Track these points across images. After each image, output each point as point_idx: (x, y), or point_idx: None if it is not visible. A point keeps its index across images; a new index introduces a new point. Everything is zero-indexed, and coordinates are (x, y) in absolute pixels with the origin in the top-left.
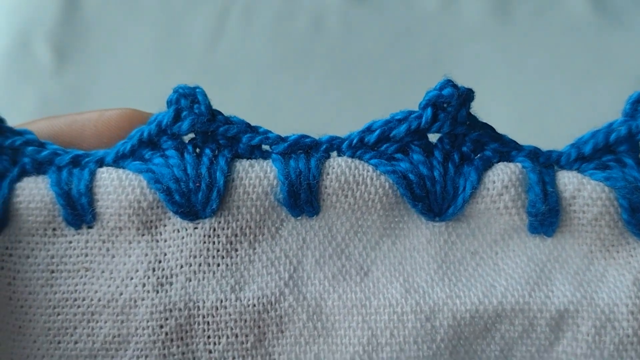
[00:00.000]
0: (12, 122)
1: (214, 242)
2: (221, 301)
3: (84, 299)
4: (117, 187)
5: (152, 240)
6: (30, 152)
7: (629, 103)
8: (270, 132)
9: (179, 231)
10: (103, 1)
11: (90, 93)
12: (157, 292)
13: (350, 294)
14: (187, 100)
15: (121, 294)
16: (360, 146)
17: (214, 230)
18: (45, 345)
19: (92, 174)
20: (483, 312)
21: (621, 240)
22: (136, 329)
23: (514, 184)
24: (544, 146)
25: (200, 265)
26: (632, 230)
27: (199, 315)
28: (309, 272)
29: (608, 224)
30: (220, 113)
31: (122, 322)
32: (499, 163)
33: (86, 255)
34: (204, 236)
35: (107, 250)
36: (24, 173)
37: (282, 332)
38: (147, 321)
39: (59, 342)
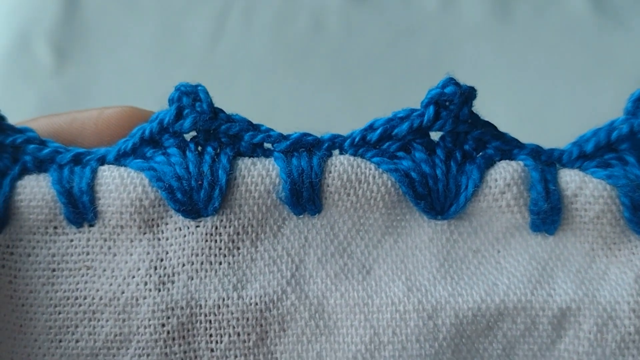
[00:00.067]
0: (12, 122)
1: (216, 241)
2: (223, 300)
3: (85, 298)
4: (118, 185)
5: (154, 239)
6: (32, 150)
7: (630, 101)
8: (272, 130)
9: (180, 229)
10: (103, 1)
11: (90, 93)
12: (159, 290)
13: (352, 293)
14: (189, 98)
15: (123, 292)
16: (362, 144)
17: (216, 228)
18: (47, 344)
19: (94, 172)
20: (485, 310)
21: (623, 238)
22: (138, 327)
23: (516, 182)
24: (543, 146)
25: (202, 263)
26: (633, 228)
27: (200, 314)
28: (311, 270)
29: (610, 222)
30: (222, 111)
31: (124, 320)
32: (501, 161)
33: (87, 253)
34: (206, 234)
35: (109, 248)
36: (25, 171)
37: (284, 330)
38: (149, 320)
39: (60, 341)
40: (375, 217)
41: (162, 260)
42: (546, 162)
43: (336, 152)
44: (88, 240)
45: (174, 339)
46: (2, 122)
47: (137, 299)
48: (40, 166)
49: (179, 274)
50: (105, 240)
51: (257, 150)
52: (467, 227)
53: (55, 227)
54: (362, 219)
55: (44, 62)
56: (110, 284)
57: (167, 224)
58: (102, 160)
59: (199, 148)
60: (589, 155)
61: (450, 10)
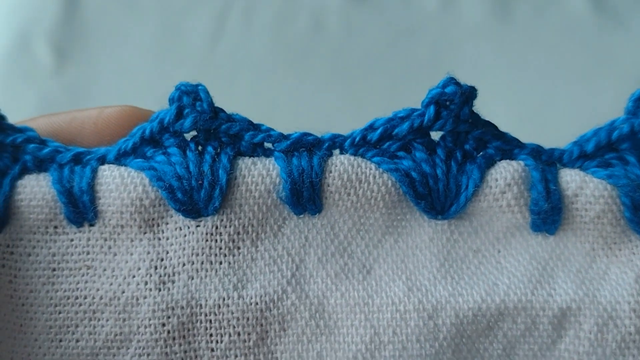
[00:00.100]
0: (12, 121)
1: (216, 240)
2: (223, 299)
3: (85, 297)
4: (119, 185)
5: (154, 238)
6: (32, 149)
7: (631, 101)
8: (272, 129)
9: (181, 229)
10: (103, 1)
11: (90, 93)
12: (159, 290)
13: (352, 292)
14: (190, 97)
15: (123, 292)
16: (362, 144)
17: (217, 228)
18: (47, 344)
19: (94, 172)
20: (486, 310)
21: (623, 238)
22: (138, 327)
23: (517, 182)
24: (544, 146)
25: (202, 263)
26: (634, 228)
27: (201, 314)
28: (311, 270)
29: (610, 221)
30: (222, 110)
31: (124, 320)
32: (502, 161)
33: (88, 253)
34: (206, 234)
35: (109, 248)
36: (25, 170)
37: (284, 330)
38: (149, 319)
39: (60, 341)
40: (376, 216)
41: (162, 259)
42: (547, 161)
43: (336, 151)
44: (88, 239)
45: (174, 338)
46: (2, 121)
47: (137, 299)
48: (41, 166)
49: (179, 273)
50: (105, 239)
51: (257, 150)
52: (468, 227)
53: (56, 227)
54: (363, 219)
55: (44, 62)
56: (111, 284)
57: (167, 223)
58: (103, 160)
59: (200, 147)
60: (590, 155)
61: (450, 10)
